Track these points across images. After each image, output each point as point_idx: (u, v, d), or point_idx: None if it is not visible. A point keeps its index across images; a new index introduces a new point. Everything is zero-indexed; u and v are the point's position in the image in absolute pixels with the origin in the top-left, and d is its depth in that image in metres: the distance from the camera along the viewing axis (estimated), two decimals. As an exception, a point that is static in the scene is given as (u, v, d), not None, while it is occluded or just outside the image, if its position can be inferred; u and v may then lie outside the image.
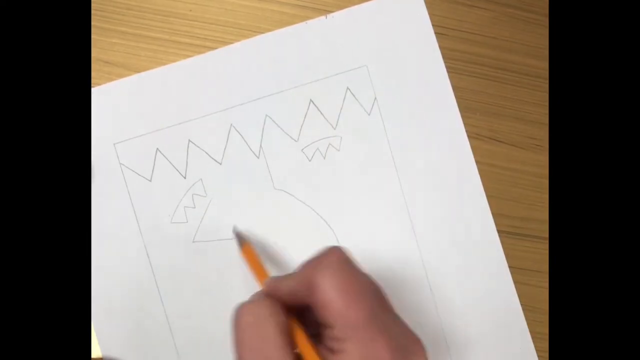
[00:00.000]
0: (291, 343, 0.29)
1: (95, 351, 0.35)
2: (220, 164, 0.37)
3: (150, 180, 0.37)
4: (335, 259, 0.29)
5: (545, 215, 0.38)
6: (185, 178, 0.37)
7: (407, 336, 0.29)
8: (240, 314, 0.29)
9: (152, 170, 0.37)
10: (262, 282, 0.31)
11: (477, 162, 0.38)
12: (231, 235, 0.36)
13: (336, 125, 0.37)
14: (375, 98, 0.38)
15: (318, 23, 0.38)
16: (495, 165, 0.38)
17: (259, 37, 0.38)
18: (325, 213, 0.37)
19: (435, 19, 0.38)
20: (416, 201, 0.37)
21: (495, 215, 0.37)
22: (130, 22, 0.37)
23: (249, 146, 0.37)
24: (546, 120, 0.38)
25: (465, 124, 0.38)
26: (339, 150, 0.37)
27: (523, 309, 0.37)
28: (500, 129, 0.38)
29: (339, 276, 0.28)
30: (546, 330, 0.37)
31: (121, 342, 0.35)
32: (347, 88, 0.37)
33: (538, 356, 0.37)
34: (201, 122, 0.37)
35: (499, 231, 0.37)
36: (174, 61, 0.37)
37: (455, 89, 0.38)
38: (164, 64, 0.37)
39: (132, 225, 0.36)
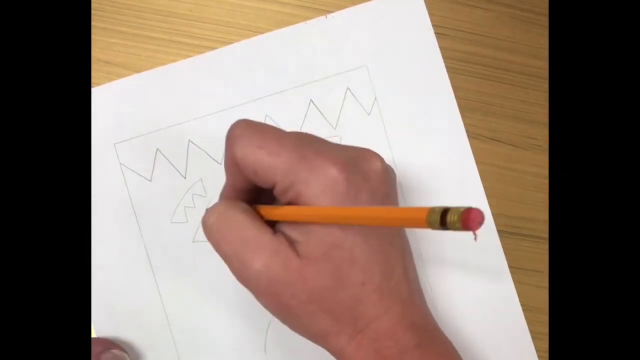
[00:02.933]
0: (260, 218, 0.29)
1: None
2: (220, 164, 0.37)
3: (150, 180, 0.37)
4: (239, 131, 0.29)
5: (545, 215, 0.38)
6: (185, 178, 0.37)
7: (351, 150, 0.30)
8: (205, 222, 0.29)
9: (152, 170, 0.37)
10: None
11: (477, 162, 0.38)
12: None
13: (336, 125, 0.37)
14: (375, 98, 0.38)
15: (318, 23, 0.38)
16: (495, 165, 0.38)
17: (259, 37, 0.37)
18: (325, 213, 0.37)
19: (435, 19, 0.38)
20: (416, 201, 0.37)
21: (495, 215, 0.37)
22: (129, 22, 0.37)
23: (249, 146, 0.37)
24: (546, 120, 0.38)
25: (465, 124, 0.38)
26: (339, 150, 0.37)
27: (523, 309, 0.37)
28: (500, 129, 0.38)
29: (249, 139, 0.28)
30: (546, 330, 0.37)
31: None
32: (347, 88, 0.37)
33: (538, 356, 0.37)
34: (201, 122, 0.37)
35: (499, 231, 0.37)
36: (174, 61, 0.37)
37: (455, 89, 0.38)
38: (164, 64, 0.37)
39: (132, 225, 0.36)
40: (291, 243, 0.28)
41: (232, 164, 0.29)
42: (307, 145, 0.28)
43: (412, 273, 0.30)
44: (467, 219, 0.20)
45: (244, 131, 0.29)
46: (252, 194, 0.31)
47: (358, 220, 0.26)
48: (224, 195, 0.32)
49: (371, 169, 0.29)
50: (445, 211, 0.21)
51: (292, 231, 0.28)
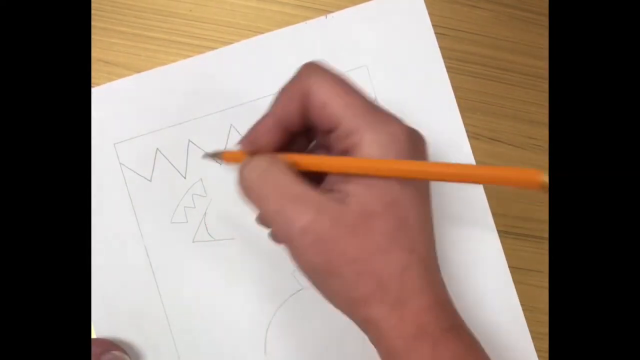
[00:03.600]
0: (305, 177, 0.28)
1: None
2: (220, 164, 0.37)
3: (150, 180, 0.37)
4: (319, 66, 0.29)
5: (545, 215, 0.38)
6: (185, 178, 0.37)
7: (408, 126, 0.29)
8: (246, 178, 0.28)
9: (152, 170, 0.37)
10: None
11: (477, 162, 0.38)
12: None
13: (336, 125, 0.37)
14: (375, 98, 0.38)
15: (318, 23, 0.38)
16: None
17: (259, 37, 0.37)
18: (325, 213, 0.37)
19: (435, 19, 0.38)
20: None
21: (495, 215, 0.37)
22: (130, 22, 0.37)
23: (249, 146, 0.37)
24: (546, 120, 0.38)
25: (465, 124, 0.38)
26: (339, 150, 0.37)
27: (523, 309, 0.37)
28: (500, 129, 0.38)
29: (330, 75, 0.28)
30: (546, 330, 0.37)
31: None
32: (347, 88, 0.37)
33: (538, 356, 0.37)
34: (201, 122, 0.37)
35: (499, 231, 0.37)
36: (174, 61, 0.37)
37: (455, 89, 0.38)
38: (164, 64, 0.37)
39: (132, 225, 0.36)
40: (344, 197, 0.27)
41: (299, 91, 0.28)
42: (375, 103, 0.28)
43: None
44: None
45: (325, 69, 0.28)
46: (289, 136, 0.29)
47: (444, 177, 0.27)
48: (258, 129, 0.29)
49: (423, 146, 0.29)
50: None
51: (347, 185, 0.27)
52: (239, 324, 0.36)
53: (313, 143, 0.31)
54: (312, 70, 0.28)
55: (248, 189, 0.28)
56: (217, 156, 0.31)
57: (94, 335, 0.35)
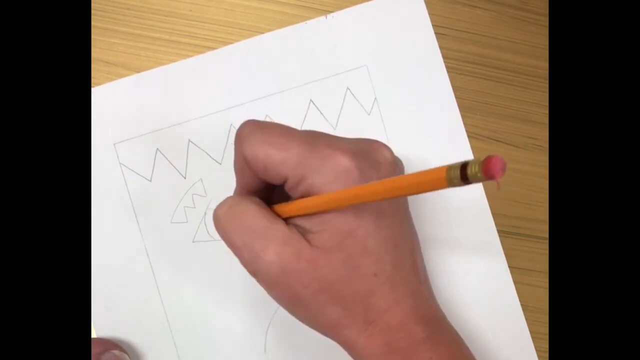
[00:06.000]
0: (271, 211, 0.29)
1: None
2: (220, 164, 0.37)
3: (150, 180, 0.37)
4: (247, 130, 0.29)
5: (545, 215, 0.38)
6: (185, 178, 0.37)
7: (360, 141, 0.29)
8: (216, 213, 0.29)
9: (152, 170, 0.37)
10: None
11: (477, 162, 0.37)
12: None
13: (336, 125, 0.37)
14: (375, 98, 0.38)
15: (318, 23, 0.38)
16: (495, 165, 0.38)
17: (259, 37, 0.37)
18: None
19: (435, 19, 0.38)
20: (416, 200, 0.37)
21: (495, 215, 0.37)
22: (130, 22, 0.37)
23: (249, 146, 0.37)
24: (546, 120, 0.38)
25: (465, 124, 0.38)
26: (339, 150, 0.37)
27: (523, 309, 0.37)
28: (500, 129, 0.38)
29: (257, 136, 0.28)
30: (546, 330, 0.37)
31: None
32: (347, 88, 0.37)
33: (538, 356, 0.37)
34: (201, 122, 0.37)
35: (499, 231, 0.37)
36: (174, 61, 0.37)
37: (455, 89, 0.38)
38: (164, 64, 0.37)
39: (132, 225, 0.36)
40: (304, 234, 0.28)
41: (242, 163, 0.29)
42: (315, 138, 0.28)
43: (420, 264, 0.30)
44: (489, 167, 0.19)
45: (251, 129, 0.29)
46: (264, 194, 0.31)
47: (376, 196, 0.25)
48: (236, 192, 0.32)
49: (381, 158, 0.29)
50: (464, 165, 0.20)
51: (306, 222, 0.28)
52: (238, 323, 0.36)
53: None
54: (242, 137, 0.29)
55: (218, 223, 0.29)
56: None
57: (94, 335, 0.35)
